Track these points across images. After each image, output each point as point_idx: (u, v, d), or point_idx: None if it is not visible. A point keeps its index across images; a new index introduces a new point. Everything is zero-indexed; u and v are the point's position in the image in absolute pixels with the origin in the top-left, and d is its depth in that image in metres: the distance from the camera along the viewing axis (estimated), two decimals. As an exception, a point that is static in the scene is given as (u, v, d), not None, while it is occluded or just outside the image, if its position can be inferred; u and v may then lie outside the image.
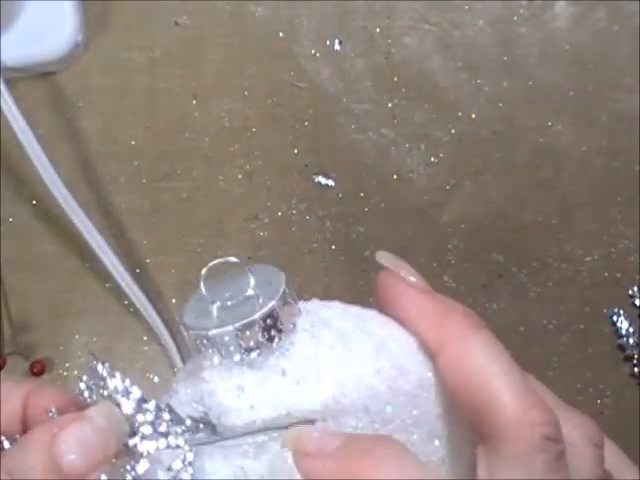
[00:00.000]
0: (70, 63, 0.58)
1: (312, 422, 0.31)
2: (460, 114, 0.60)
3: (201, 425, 0.32)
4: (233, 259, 0.33)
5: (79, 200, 0.55)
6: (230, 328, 0.31)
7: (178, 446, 0.31)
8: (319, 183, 0.59)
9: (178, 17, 0.59)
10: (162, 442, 0.31)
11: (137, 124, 0.59)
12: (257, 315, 0.32)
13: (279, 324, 0.32)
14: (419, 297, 0.34)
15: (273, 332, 0.32)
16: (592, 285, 0.60)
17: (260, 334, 0.32)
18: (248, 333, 0.31)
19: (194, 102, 0.59)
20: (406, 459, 0.29)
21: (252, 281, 0.32)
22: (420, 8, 0.59)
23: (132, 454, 0.31)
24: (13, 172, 0.58)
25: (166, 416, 0.31)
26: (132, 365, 0.57)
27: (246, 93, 0.59)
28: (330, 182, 0.59)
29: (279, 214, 0.59)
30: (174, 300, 0.59)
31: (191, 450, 0.31)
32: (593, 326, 0.59)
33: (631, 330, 0.51)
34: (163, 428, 0.31)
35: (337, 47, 0.59)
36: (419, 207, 0.59)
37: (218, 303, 0.33)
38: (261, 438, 0.31)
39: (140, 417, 0.31)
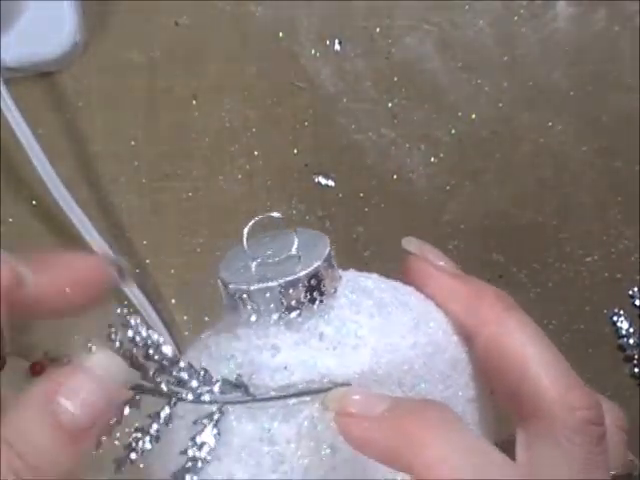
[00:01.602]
0: (70, 63, 0.58)
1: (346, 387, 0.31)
2: (460, 114, 0.60)
3: (232, 385, 0.31)
4: (277, 214, 0.33)
5: (79, 200, 0.55)
6: (274, 284, 0.30)
7: (206, 404, 0.30)
8: (319, 183, 0.59)
9: (178, 17, 0.59)
10: (189, 398, 0.30)
11: (137, 124, 0.59)
12: (303, 273, 0.31)
13: (322, 286, 0.31)
14: (450, 281, 0.34)
15: (315, 294, 0.31)
16: (592, 285, 0.60)
17: (303, 294, 0.31)
18: (291, 291, 0.31)
19: (194, 102, 0.59)
20: (456, 425, 0.28)
21: (296, 240, 0.32)
22: (420, 8, 0.59)
23: (155, 413, 0.30)
24: (13, 172, 0.58)
25: (196, 374, 0.30)
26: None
27: (246, 93, 0.59)
28: (330, 182, 0.59)
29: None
30: (174, 300, 0.59)
31: (219, 410, 0.30)
32: (593, 326, 0.60)
33: (631, 330, 0.51)
34: (194, 384, 0.30)
35: (337, 47, 0.59)
36: (419, 207, 0.59)
37: (259, 260, 0.32)
38: (292, 401, 0.30)
39: (170, 374, 0.30)
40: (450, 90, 0.60)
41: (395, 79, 0.60)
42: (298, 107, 0.59)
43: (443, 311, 0.34)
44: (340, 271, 0.33)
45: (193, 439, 0.30)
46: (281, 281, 0.30)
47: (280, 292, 0.30)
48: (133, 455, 0.30)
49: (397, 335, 0.32)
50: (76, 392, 0.28)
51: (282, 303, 0.31)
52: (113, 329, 0.31)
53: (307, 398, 0.30)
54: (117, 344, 0.30)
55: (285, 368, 0.31)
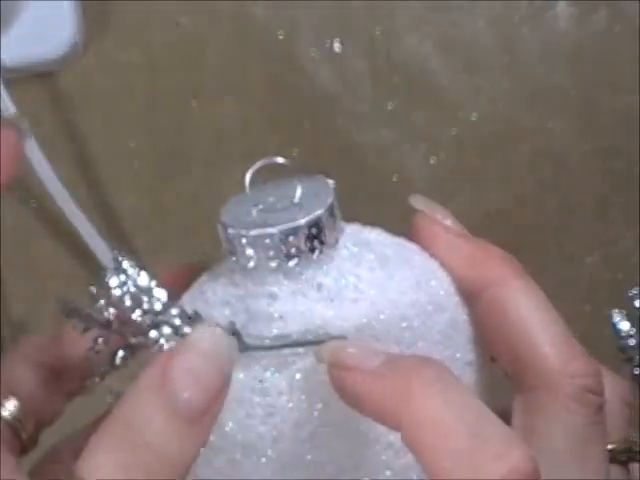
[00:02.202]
0: (70, 63, 0.58)
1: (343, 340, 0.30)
2: (460, 114, 0.60)
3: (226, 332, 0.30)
4: (281, 159, 0.32)
5: (79, 200, 0.55)
6: (274, 230, 0.30)
7: None
8: (319, 183, 0.59)
9: (178, 17, 0.59)
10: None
11: (137, 124, 0.59)
12: (304, 220, 0.30)
13: (323, 235, 0.30)
14: (457, 239, 0.33)
15: (316, 242, 0.30)
16: (592, 285, 0.60)
17: (303, 242, 0.30)
18: (291, 238, 0.30)
19: (194, 102, 0.59)
20: (452, 384, 0.27)
21: (299, 188, 0.31)
22: (420, 8, 0.59)
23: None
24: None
25: (189, 319, 0.29)
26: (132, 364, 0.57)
27: (246, 93, 0.59)
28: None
29: (279, 214, 0.59)
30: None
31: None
32: (593, 327, 0.60)
33: (632, 331, 0.51)
34: (186, 330, 0.29)
35: (337, 47, 0.59)
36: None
37: (261, 206, 0.31)
38: (286, 352, 0.30)
39: (163, 319, 0.29)
40: (450, 90, 0.60)
41: (395, 79, 0.60)
42: (298, 107, 0.59)
43: (447, 270, 0.33)
44: (343, 223, 0.32)
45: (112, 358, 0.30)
46: (281, 227, 0.30)
47: (280, 239, 0.30)
48: None
49: (397, 291, 0.31)
50: (187, 373, 0.27)
51: (281, 250, 0.30)
52: (107, 274, 0.30)
53: (301, 349, 0.30)
54: (111, 290, 0.30)
55: (281, 318, 0.30)
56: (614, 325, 0.50)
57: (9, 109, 0.54)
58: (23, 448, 0.31)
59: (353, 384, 0.28)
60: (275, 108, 0.59)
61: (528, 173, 0.60)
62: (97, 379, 0.31)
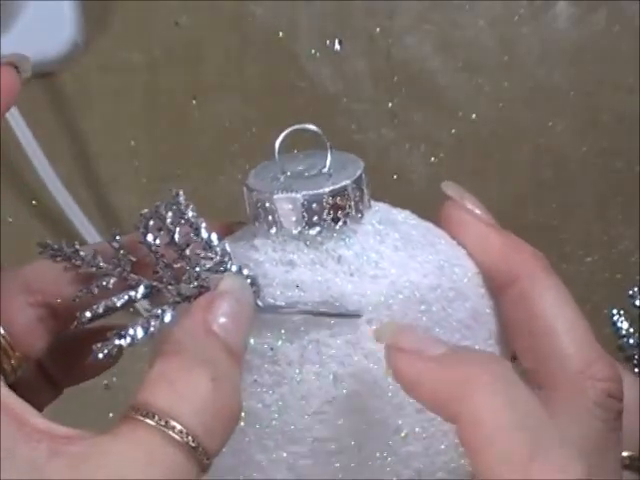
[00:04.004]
0: (70, 63, 0.58)
1: (358, 316, 0.29)
2: (460, 114, 0.60)
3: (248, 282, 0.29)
4: (312, 127, 0.32)
5: (79, 200, 0.55)
6: (298, 196, 0.29)
7: None
8: (319, 183, 0.59)
9: (178, 17, 0.59)
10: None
11: (137, 124, 0.59)
12: (329, 189, 0.30)
13: (348, 207, 0.30)
14: (486, 230, 0.33)
15: (340, 213, 0.30)
16: (592, 285, 0.60)
17: (327, 211, 0.30)
18: (315, 206, 0.30)
19: (194, 102, 0.59)
20: (517, 384, 0.26)
21: (329, 159, 0.31)
22: (420, 8, 0.59)
23: (159, 313, 0.29)
24: (13, 172, 0.58)
25: (223, 259, 0.29)
26: (132, 365, 0.57)
27: (246, 93, 0.59)
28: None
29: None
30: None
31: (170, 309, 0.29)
32: (593, 326, 0.59)
33: (631, 330, 0.51)
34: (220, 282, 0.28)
35: (337, 47, 0.59)
36: (419, 207, 0.59)
37: (289, 173, 0.31)
38: (299, 321, 0.29)
39: (203, 256, 0.29)
40: (450, 90, 0.60)
41: (395, 79, 0.60)
42: (298, 107, 0.59)
43: (474, 261, 0.32)
44: (371, 200, 0.32)
45: (134, 324, 0.29)
46: (306, 193, 0.29)
47: (303, 205, 0.29)
48: (121, 341, 0.29)
49: (419, 273, 0.30)
50: (228, 316, 0.27)
51: (304, 217, 0.30)
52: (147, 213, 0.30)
53: (313, 321, 0.29)
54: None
55: (297, 286, 0.30)
56: (614, 324, 0.50)
57: (11, 111, 0.54)
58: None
59: (411, 369, 0.27)
60: (275, 108, 0.59)
61: (528, 173, 0.60)
62: (87, 316, 0.30)
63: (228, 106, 0.59)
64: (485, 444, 0.25)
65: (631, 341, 0.52)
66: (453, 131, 0.60)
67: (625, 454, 0.33)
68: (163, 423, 0.24)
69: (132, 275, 0.30)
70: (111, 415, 0.55)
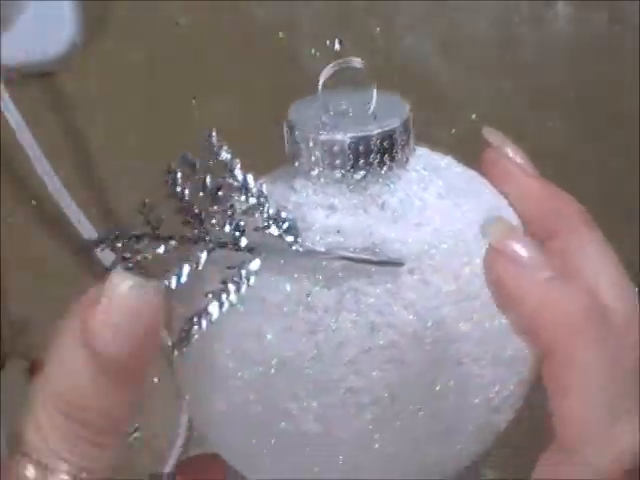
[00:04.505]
0: (70, 63, 0.58)
1: (399, 264, 0.28)
2: (460, 114, 0.60)
3: (285, 225, 0.28)
4: (359, 62, 0.30)
5: (79, 200, 0.55)
6: (345, 137, 0.28)
7: (244, 250, 0.28)
8: (319, 183, 0.59)
9: (178, 17, 0.59)
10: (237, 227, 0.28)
11: (137, 124, 0.59)
12: (378, 131, 0.28)
13: (394, 151, 0.29)
14: (528, 180, 0.32)
15: (386, 157, 0.28)
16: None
17: (373, 154, 0.28)
18: (361, 148, 0.28)
19: (194, 102, 0.59)
20: (614, 340, 0.26)
21: (375, 97, 0.29)
22: (420, 8, 0.59)
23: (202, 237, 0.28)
24: (13, 172, 0.58)
25: (260, 202, 0.28)
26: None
27: (246, 93, 0.59)
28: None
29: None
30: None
31: (260, 259, 0.28)
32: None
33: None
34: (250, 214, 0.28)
35: (337, 47, 0.59)
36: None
37: (332, 111, 0.29)
38: (337, 267, 0.28)
39: (237, 199, 0.28)
40: (450, 90, 0.60)
41: (395, 79, 0.60)
42: (298, 107, 0.59)
43: (515, 211, 0.31)
44: (415, 145, 0.30)
45: (224, 282, 0.28)
46: (352, 135, 0.28)
47: (349, 147, 0.28)
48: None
49: (463, 223, 0.29)
50: (108, 317, 0.26)
51: (349, 159, 0.28)
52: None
53: (354, 267, 0.28)
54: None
55: (338, 231, 0.28)
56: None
57: (9, 109, 0.54)
58: None
59: (516, 281, 0.27)
60: (275, 108, 0.59)
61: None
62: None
63: (228, 106, 0.59)
64: (570, 385, 0.26)
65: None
66: (453, 131, 0.60)
67: None
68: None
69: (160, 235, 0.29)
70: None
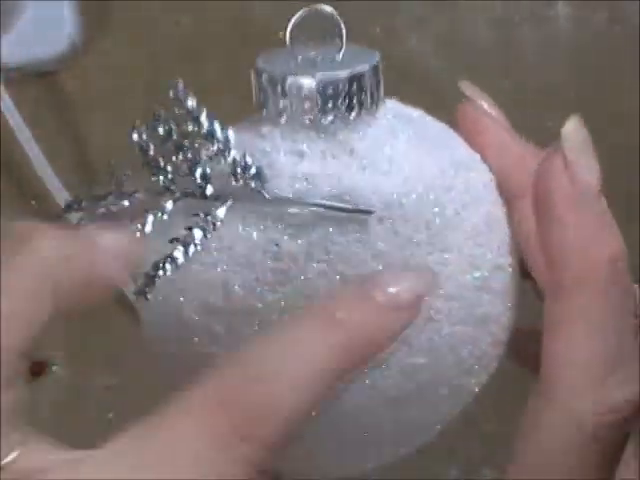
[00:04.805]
0: (70, 63, 0.58)
1: (369, 213, 0.28)
2: (460, 114, 0.60)
3: (252, 172, 0.28)
4: (327, 7, 0.30)
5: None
6: (312, 79, 0.28)
7: (212, 199, 0.28)
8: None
9: (178, 17, 0.59)
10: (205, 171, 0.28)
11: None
12: (346, 73, 0.28)
13: (363, 95, 0.28)
14: (503, 134, 0.32)
15: (355, 101, 0.28)
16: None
17: (342, 98, 0.28)
18: (330, 91, 0.28)
19: (194, 102, 0.59)
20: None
21: (344, 46, 0.29)
22: (420, 8, 0.59)
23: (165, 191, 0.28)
24: (13, 172, 0.58)
25: (226, 148, 0.28)
26: (133, 365, 0.57)
27: (246, 93, 0.59)
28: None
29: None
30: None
31: (226, 207, 0.28)
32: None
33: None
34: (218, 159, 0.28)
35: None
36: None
37: (301, 57, 0.29)
38: (306, 215, 0.27)
39: (204, 146, 0.28)
40: (450, 90, 0.60)
41: (395, 79, 0.60)
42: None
43: (489, 166, 0.31)
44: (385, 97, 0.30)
45: (189, 228, 0.28)
46: (321, 77, 0.28)
47: (318, 90, 0.28)
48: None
49: (433, 172, 0.29)
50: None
51: (317, 104, 0.28)
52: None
53: (323, 216, 0.27)
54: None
55: (306, 179, 0.28)
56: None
57: (9, 109, 0.54)
58: None
59: (566, 197, 0.28)
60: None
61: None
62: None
63: (228, 106, 0.59)
64: (571, 330, 0.27)
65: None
66: (453, 131, 0.60)
67: None
68: None
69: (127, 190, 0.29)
70: (111, 415, 0.55)
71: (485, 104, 0.33)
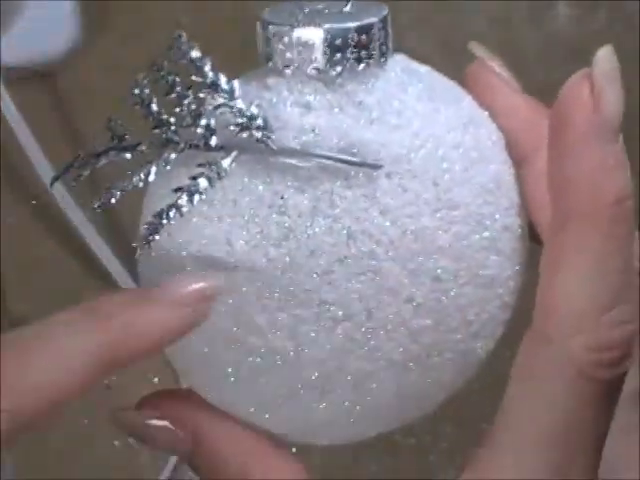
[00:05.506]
0: (70, 63, 0.58)
1: (377, 167, 0.27)
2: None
3: (257, 122, 0.27)
4: None
5: (79, 200, 0.55)
6: (321, 29, 0.27)
7: (216, 150, 0.27)
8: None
9: (179, 17, 0.59)
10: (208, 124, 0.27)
11: (137, 124, 0.59)
12: (354, 24, 0.28)
13: (372, 47, 0.28)
14: (513, 95, 0.31)
15: (363, 53, 0.28)
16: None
17: (350, 49, 0.28)
18: (338, 42, 0.27)
19: (194, 102, 0.59)
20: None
21: None
22: (420, 8, 0.59)
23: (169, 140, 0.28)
24: (13, 172, 0.58)
25: (231, 99, 0.27)
26: (132, 365, 0.57)
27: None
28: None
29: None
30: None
31: (231, 158, 0.27)
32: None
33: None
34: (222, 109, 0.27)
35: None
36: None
37: (307, 9, 0.29)
38: (312, 169, 0.27)
39: (209, 97, 0.28)
40: (450, 90, 0.60)
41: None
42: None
43: (499, 126, 0.31)
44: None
45: (194, 178, 0.27)
46: (328, 27, 0.27)
47: (326, 40, 0.27)
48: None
49: (442, 128, 0.29)
50: None
51: (324, 54, 0.27)
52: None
53: (330, 169, 0.27)
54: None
55: (313, 130, 0.27)
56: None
57: (9, 109, 0.54)
58: None
59: (586, 124, 0.29)
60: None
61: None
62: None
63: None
64: (569, 263, 0.27)
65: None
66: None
67: None
68: None
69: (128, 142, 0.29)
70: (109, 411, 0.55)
71: (496, 65, 0.32)
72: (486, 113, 0.31)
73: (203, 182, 0.27)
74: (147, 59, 0.61)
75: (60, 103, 0.59)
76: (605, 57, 0.30)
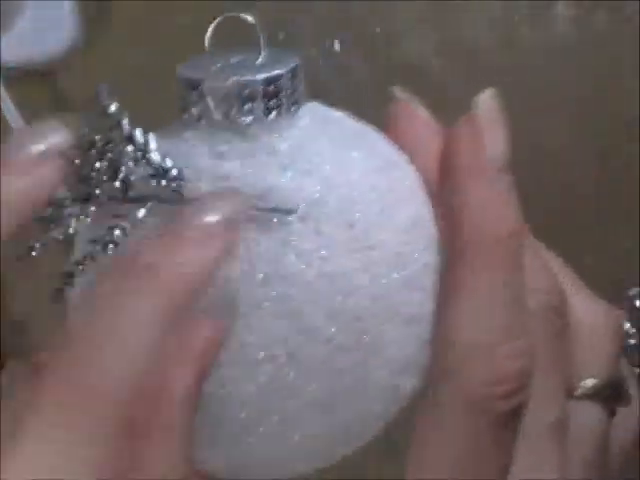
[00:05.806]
0: (70, 63, 0.58)
1: (291, 212, 0.28)
2: (460, 114, 0.60)
3: (172, 174, 0.28)
4: (249, 18, 0.32)
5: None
6: (229, 82, 0.29)
7: (136, 198, 0.28)
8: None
9: (178, 17, 0.59)
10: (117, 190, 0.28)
11: (137, 124, 0.59)
12: (262, 75, 0.29)
13: (281, 97, 0.29)
14: (431, 135, 0.33)
15: (272, 103, 0.29)
16: (592, 285, 0.60)
17: (259, 99, 0.29)
18: (247, 93, 0.29)
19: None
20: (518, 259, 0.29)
21: (264, 52, 0.30)
22: (420, 8, 0.59)
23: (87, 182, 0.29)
24: (13, 172, 0.58)
25: (146, 151, 0.29)
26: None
27: (246, 93, 0.59)
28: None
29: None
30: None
31: (148, 204, 0.28)
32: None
33: (632, 331, 0.51)
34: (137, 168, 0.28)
35: (337, 47, 0.59)
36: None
37: (220, 64, 0.30)
38: None
39: (126, 151, 0.29)
40: (450, 90, 0.60)
41: (395, 79, 0.60)
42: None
43: (415, 165, 0.31)
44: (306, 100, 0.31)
45: (110, 228, 0.28)
46: (237, 79, 0.29)
47: (235, 92, 0.29)
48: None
49: (356, 172, 0.29)
50: None
51: (235, 105, 0.29)
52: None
53: (245, 215, 0.28)
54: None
55: (228, 179, 0.28)
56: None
57: (9, 109, 0.54)
58: None
59: (473, 161, 0.30)
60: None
61: (528, 173, 0.60)
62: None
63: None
64: (464, 294, 0.28)
65: (632, 342, 0.52)
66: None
67: (589, 383, 0.32)
68: None
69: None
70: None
71: (415, 106, 0.34)
72: (404, 156, 0.32)
73: (117, 233, 0.28)
74: (147, 59, 0.61)
75: (60, 103, 0.59)
76: (487, 99, 0.31)
